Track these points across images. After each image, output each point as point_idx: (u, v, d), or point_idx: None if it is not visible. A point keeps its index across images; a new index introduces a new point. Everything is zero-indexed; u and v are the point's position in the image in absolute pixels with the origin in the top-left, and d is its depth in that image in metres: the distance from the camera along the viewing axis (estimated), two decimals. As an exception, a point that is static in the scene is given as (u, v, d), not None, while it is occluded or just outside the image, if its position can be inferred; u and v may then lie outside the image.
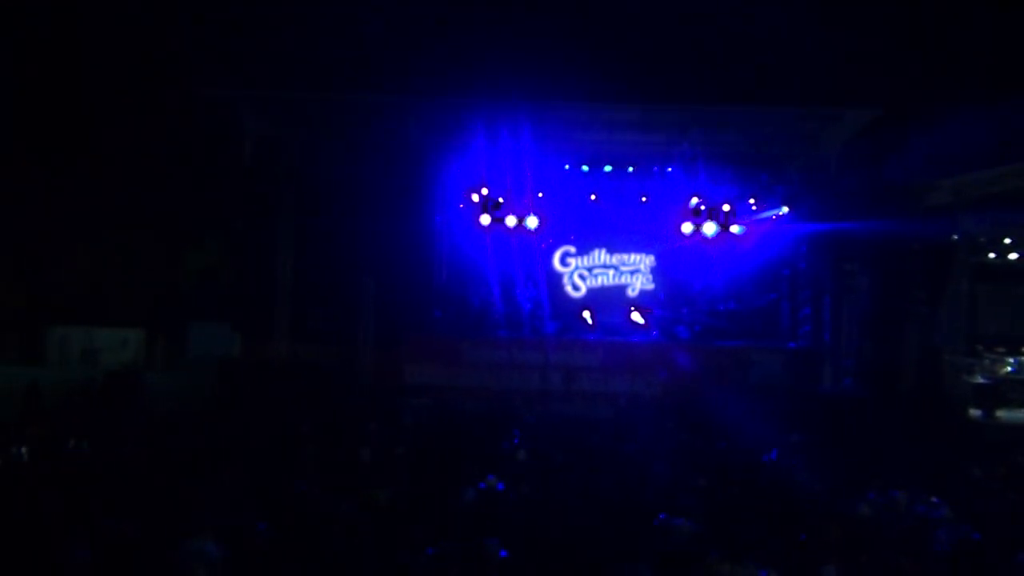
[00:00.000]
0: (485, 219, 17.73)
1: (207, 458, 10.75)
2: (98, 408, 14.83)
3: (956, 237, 16.54)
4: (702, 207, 17.34)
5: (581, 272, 20.19)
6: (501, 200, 17.74)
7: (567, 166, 18.53)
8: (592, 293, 20.05)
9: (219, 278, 19.34)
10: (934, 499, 9.85)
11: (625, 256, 20.21)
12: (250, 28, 15.03)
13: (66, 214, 18.50)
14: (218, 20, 15.17)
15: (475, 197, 17.82)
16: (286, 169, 17.34)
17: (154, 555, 7.47)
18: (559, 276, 20.10)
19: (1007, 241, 17.63)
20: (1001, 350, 17.38)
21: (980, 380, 16.50)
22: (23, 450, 11.03)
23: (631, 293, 20.05)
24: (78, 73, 17.11)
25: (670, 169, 18.00)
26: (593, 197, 19.00)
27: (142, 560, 7.48)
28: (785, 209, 18.03)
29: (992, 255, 17.72)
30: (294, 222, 17.51)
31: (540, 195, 18.16)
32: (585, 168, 18.61)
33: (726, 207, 17.41)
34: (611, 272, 20.22)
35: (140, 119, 17.32)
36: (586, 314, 18.76)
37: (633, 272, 20.17)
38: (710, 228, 17.22)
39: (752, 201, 18.18)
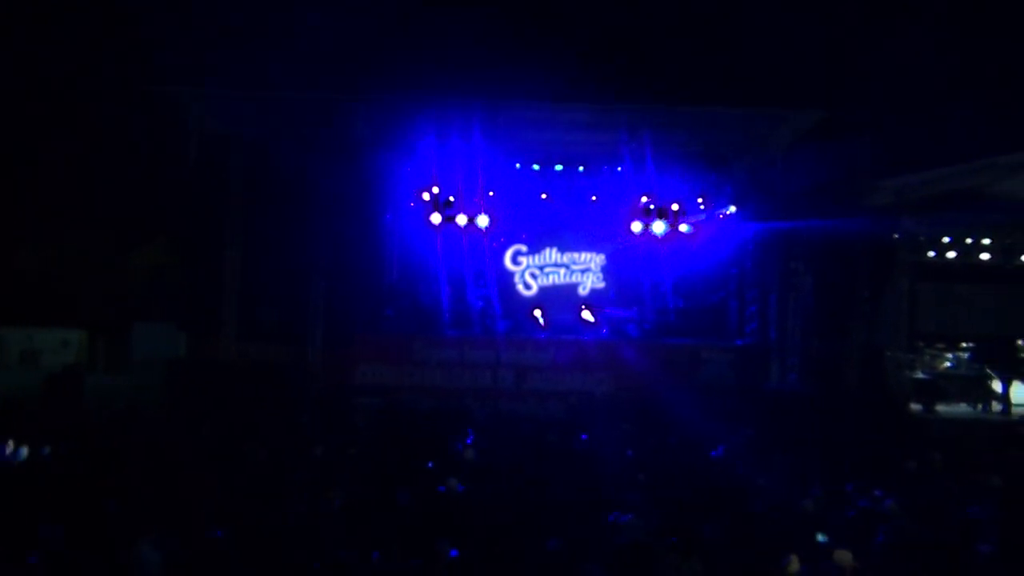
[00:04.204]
0: (436, 218, 17.66)
1: (153, 461, 10.55)
2: (39, 411, 14.46)
3: (897, 237, 16.92)
4: (652, 206, 17.51)
5: (532, 271, 20.25)
6: (452, 199, 17.70)
7: (518, 165, 18.59)
8: (543, 292, 20.12)
9: (165, 277, 18.98)
10: (877, 492, 10.08)
11: (576, 255, 20.33)
12: (198, 26, 14.79)
13: (4, 212, 17.99)
14: (166, 18, 14.91)
15: (426, 196, 17.75)
16: (234, 167, 17.06)
17: (98, 561, 7.31)
18: (510, 275, 20.14)
19: (945, 241, 18.11)
20: (940, 346, 17.86)
21: (920, 375, 16.95)
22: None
23: (582, 291, 20.18)
24: (21, 70, 16.66)
25: (620, 168, 18.14)
26: (544, 196, 19.10)
27: (86, 566, 7.32)
28: (733, 209, 18.29)
29: (931, 254, 18.17)
30: (242, 220, 17.23)
31: (491, 194, 18.18)
32: (536, 167, 18.70)
33: (675, 206, 17.61)
34: (562, 271, 20.32)
35: (84, 116, 16.94)
36: (537, 312, 18.81)
37: (584, 271, 20.30)
38: (659, 227, 17.39)
39: (701, 200, 18.42)
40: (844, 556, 7.71)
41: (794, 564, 7.57)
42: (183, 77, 15.30)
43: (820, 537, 8.62)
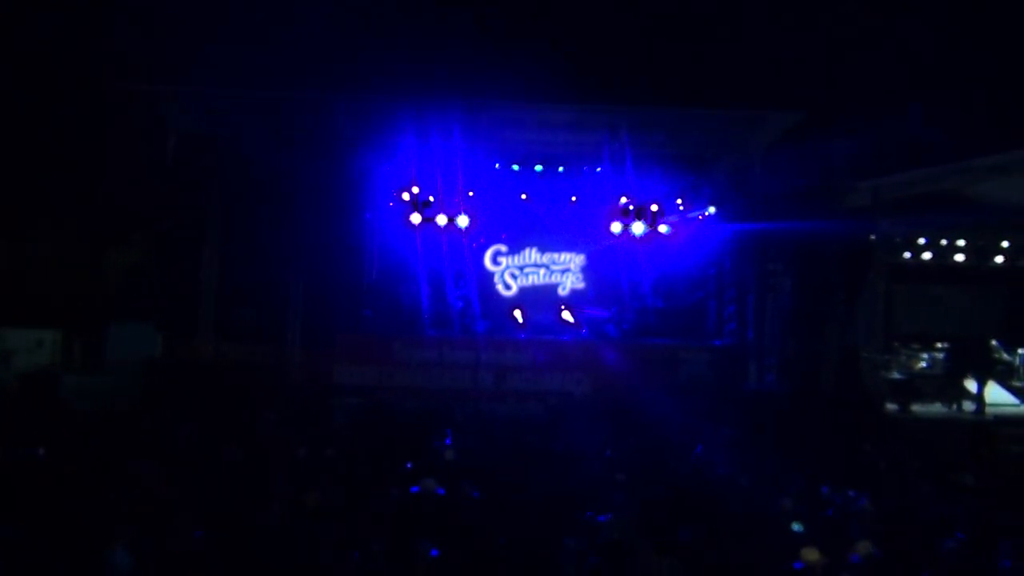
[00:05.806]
0: (416, 218, 17.62)
1: (129, 463, 10.45)
2: (12, 412, 14.28)
3: (874, 238, 17.09)
4: (631, 207, 17.56)
5: (512, 271, 20.25)
6: (432, 199, 17.67)
7: (498, 165, 18.59)
8: (523, 292, 20.13)
9: (141, 276, 18.78)
10: (852, 491, 10.17)
11: (556, 255, 20.36)
12: (175, 23, 14.66)
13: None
14: (143, 15, 14.76)
15: (405, 196, 17.71)
16: (212, 165, 16.95)
17: (69, 565, 7.23)
18: (490, 275, 20.12)
19: (921, 242, 18.31)
20: (915, 347, 18.06)
21: (896, 376, 17.13)
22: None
23: (562, 292, 20.22)
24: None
25: (600, 169, 18.20)
26: (524, 196, 19.12)
27: (56, 570, 7.24)
28: (712, 210, 18.39)
29: (907, 255, 18.36)
30: (220, 219, 17.12)
31: (471, 194, 18.16)
32: (516, 167, 18.71)
33: (654, 207, 17.66)
34: (542, 271, 20.34)
35: (60, 114, 16.74)
36: (517, 313, 18.81)
37: (564, 271, 20.34)
38: (639, 228, 17.42)
39: (680, 201, 18.51)
40: (865, 546, 7.82)
41: (812, 554, 7.58)
42: (161, 75, 15.18)
43: (796, 526, 8.71)
